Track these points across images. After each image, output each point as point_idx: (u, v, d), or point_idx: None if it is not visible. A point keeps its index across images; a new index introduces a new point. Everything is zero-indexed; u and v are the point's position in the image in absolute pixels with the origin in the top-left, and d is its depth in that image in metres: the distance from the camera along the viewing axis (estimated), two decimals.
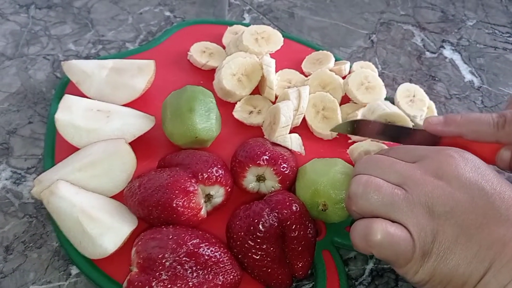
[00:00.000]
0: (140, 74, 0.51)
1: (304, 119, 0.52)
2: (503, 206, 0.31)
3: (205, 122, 0.46)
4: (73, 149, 0.46)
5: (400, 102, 0.52)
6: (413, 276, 0.32)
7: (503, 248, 0.30)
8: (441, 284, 0.32)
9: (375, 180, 0.33)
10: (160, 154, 0.47)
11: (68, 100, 0.47)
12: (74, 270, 0.41)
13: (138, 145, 0.46)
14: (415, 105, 0.52)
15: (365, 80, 0.53)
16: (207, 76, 0.56)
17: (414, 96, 0.53)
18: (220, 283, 0.36)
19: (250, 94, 0.54)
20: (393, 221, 0.32)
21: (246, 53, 0.54)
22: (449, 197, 0.31)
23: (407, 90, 0.53)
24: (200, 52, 0.57)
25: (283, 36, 0.57)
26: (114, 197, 0.44)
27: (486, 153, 0.39)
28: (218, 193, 0.42)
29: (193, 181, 0.40)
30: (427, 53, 0.65)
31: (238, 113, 0.52)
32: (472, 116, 0.39)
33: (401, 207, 0.31)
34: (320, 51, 0.59)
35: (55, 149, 0.48)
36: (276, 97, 0.54)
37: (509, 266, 0.29)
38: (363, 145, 0.47)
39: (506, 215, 0.30)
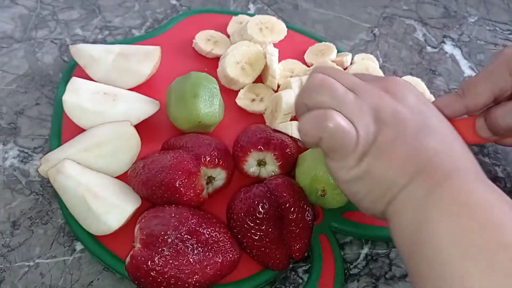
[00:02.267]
0: (146, 59, 0.52)
1: None
2: (436, 123, 0.34)
3: (209, 107, 0.47)
4: (79, 130, 0.47)
5: None
6: (348, 171, 0.34)
7: (434, 156, 0.32)
8: (370, 185, 0.34)
9: (331, 79, 0.35)
10: (163, 137, 0.48)
11: (76, 82, 0.48)
12: (78, 246, 0.42)
13: (143, 128, 0.47)
14: None
15: (366, 71, 0.54)
16: (211, 63, 0.57)
17: None
18: (220, 260, 0.38)
19: (253, 82, 0.55)
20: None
21: (250, 42, 0.56)
22: (393, 107, 0.34)
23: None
24: (205, 40, 0.58)
25: (287, 27, 0.58)
26: (118, 177, 0.45)
27: (467, 130, 0.41)
28: (220, 176, 0.43)
29: (195, 162, 0.41)
30: (428, 47, 0.66)
31: (241, 100, 0.53)
32: (439, 99, 0.42)
33: (351, 106, 0.34)
34: (323, 42, 0.60)
35: (62, 130, 0.49)
36: (279, 86, 0.55)
37: (432, 178, 0.31)
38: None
39: (437, 130, 0.34)
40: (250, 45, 0.55)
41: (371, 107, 0.34)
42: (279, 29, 0.58)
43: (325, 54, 0.58)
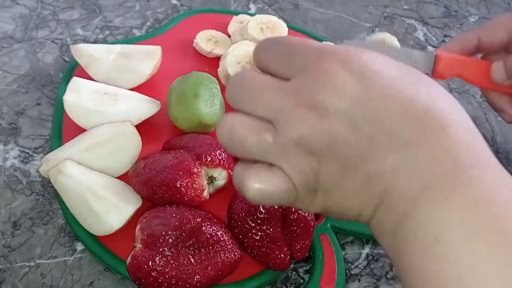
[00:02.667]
0: (146, 59, 0.52)
1: None
2: (393, 126, 0.24)
3: (210, 107, 0.47)
4: (80, 130, 0.47)
5: None
6: (308, 210, 0.29)
7: (394, 179, 0.24)
8: (337, 214, 0.28)
9: (239, 128, 0.27)
10: (164, 137, 0.48)
11: (77, 82, 0.48)
12: (79, 246, 0.42)
13: (144, 128, 0.47)
14: None
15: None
16: (212, 63, 0.57)
17: None
18: (221, 261, 0.38)
19: None
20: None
21: (251, 41, 0.55)
22: (324, 131, 0.25)
23: None
24: (205, 40, 0.58)
25: (287, 27, 0.58)
26: (119, 177, 0.45)
27: (479, 71, 0.40)
28: (221, 176, 0.43)
29: (196, 163, 0.41)
30: (429, 47, 0.66)
31: None
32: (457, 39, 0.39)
33: (273, 152, 0.26)
34: (324, 42, 0.60)
35: (62, 130, 0.49)
36: None
37: (395, 210, 0.25)
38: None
39: (396, 135, 0.24)
40: (251, 44, 0.55)
41: (297, 141, 0.25)
42: (280, 29, 0.58)
43: None
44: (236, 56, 0.54)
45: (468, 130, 0.25)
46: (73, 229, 0.42)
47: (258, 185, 0.26)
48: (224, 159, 0.43)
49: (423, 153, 0.24)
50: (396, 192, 0.25)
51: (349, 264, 0.44)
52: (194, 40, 0.58)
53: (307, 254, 0.42)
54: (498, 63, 0.38)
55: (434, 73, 0.44)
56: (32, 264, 0.41)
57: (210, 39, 0.59)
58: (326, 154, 0.25)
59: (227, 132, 0.27)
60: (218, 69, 0.55)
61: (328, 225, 0.44)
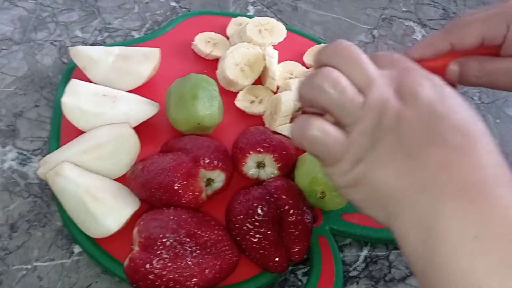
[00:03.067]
0: (145, 61, 0.52)
1: None
2: (451, 131, 0.29)
3: (208, 109, 0.47)
4: (78, 133, 0.47)
5: None
6: (340, 177, 0.32)
7: (439, 171, 0.28)
8: (365, 192, 0.31)
9: (343, 80, 0.31)
10: (163, 139, 0.48)
11: (75, 84, 0.48)
12: (76, 249, 0.42)
13: (142, 130, 0.47)
14: None
15: None
16: (210, 65, 0.57)
17: None
18: (218, 263, 0.38)
19: (252, 84, 0.55)
20: (341, 123, 0.32)
21: (249, 44, 0.55)
22: (399, 113, 0.30)
23: None
24: (204, 42, 0.58)
25: (286, 29, 0.58)
26: (117, 179, 0.45)
27: (439, 69, 0.40)
28: (219, 178, 0.43)
29: (194, 165, 0.41)
30: None
31: (240, 102, 0.53)
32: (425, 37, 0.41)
33: (355, 112, 0.31)
34: (322, 44, 0.60)
35: (61, 132, 0.49)
36: (278, 88, 0.55)
37: (442, 191, 0.27)
38: None
39: (451, 141, 0.29)
40: (249, 46, 0.55)
41: (376, 112, 0.30)
42: (279, 31, 0.58)
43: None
44: (235, 58, 0.54)
45: (501, 160, 0.29)
46: (70, 232, 0.42)
47: (325, 128, 0.31)
48: (222, 161, 0.43)
49: (468, 160, 0.28)
50: (437, 186, 0.28)
51: (347, 267, 0.43)
52: (193, 42, 0.58)
53: (305, 257, 0.42)
54: (453, 65, 0.40)
55: None
56: (29, 266, 0.41)
57: (209, 41, 0.59)
58: (392, 131, 0.30)
59: (332, 79, 0.31)
60: (217, 71, 0.55)
61: (326, 227, 0.44)
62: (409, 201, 0.29)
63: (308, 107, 0.34)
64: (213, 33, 0.60)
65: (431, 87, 0.31)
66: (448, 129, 0.29)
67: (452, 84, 0.40)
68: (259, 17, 0.58)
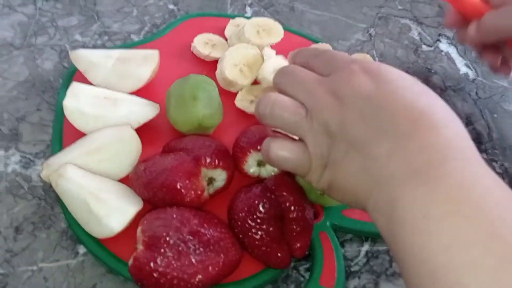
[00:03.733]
0: (145, 63, 0.52)
1: None
2: (392, 120, 0.30)
3: (208, 109, 0.47)
4: (80, 135, 0.47)
5: None
6: (316, 183, 0.35)
7: (388, 161, 0.29)
8: (339, 193, 0.34)
9: (282, 99, 0.35)
10: (164, 140, 0.48)
11: (76, 87, 0.49)
12: (81, 250, 0.43)
13: (143, 132, 0.47)
14: None
15: None
16: (209, 67, 0.57)
17: None
18: (222, 260, 0.38)
19: (252, 84, 0.55)
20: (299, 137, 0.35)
21: (248, 44, 0.56)
22: (340, 116, 0.32)
23: None
24: (203, 44, 0.59)
25: (284, 29, 0.59)
26: (120, 181, 0.45)
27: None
28: (220, 177, 0.44)
29: (196, 164, 0.42)
30: (424, 46, 0.67)
31: (240, 102, 0.53)
32: None
33: (302, 126, 0.34)
34: (319, 43, 0.61)
35: (63, 135, 0.49)
36: None
37: (387, 191, 0.29)
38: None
39: (393, 129, 0.30)
40: (247, 47, 0.55)
41: (321, 121, 0.33)
42: (276, 32, 0.58)
43: None
44: (234, 58, 0.54)
45: (458, 134, 0.30)
46: (75, 233, 0.43)
47: (284, 147, 0.35)
48: (223, 160, 0.43)
49: (413, 144, 0.29)
50: (389, 175, 0.29)
51: (349, 262, 0.44)
52: (192, 44, 0.59)
53: (307, 253, 0.43)
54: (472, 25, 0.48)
55: None
56: (34, 268, 0.41)
57: (207, 43, 0.59)
58: (339, 135, 0.32)
59: (271, 103, 0.35)
60: (216, 72, 0.56)
61: (327, 223, 0.45)
62: (369, 194, 0.31)
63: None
64: (211, 34, 0.61)
65: (365, 80, 0.32)
66: (388, 118, 0.30)
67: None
68: (256, 18, 0.59)
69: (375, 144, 0.30)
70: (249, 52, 0.55)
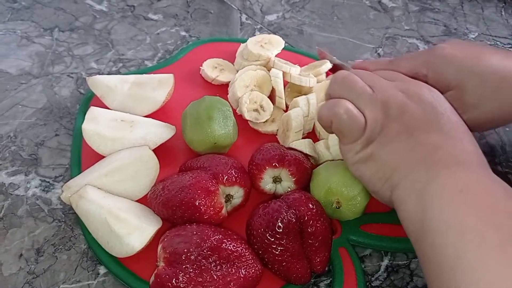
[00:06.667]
0: (160, 87, 0.54)
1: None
2: (446, 124, 0.37)
3: (223, 128, 0.48)
4: (99, 158, 0.48)
5: None
6: (355, 154, 0.40)
7: (436, 150, 0.36)
8: (374, 168, 0.39)
9: (352, 75, 0.41)
10: (180, 161, 0.49)
11: (94, 111, 0.50)
12: (102, 270, 0.43)
13: (160, 153, 0.48)
14: None
15: None
16: (222, 90, 0.59)
17: None
18: (243, 276, 0.38)
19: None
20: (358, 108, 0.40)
21: (256, 66, 0.57)
22: (404, 105, 0.38)
23: None
24: (211, 68, 0.60)
25: (293, 51, 0.60)
26: (138, 201, 0.46)
27: None
28: (238, 194, 0.44)
29: (214, 181, 0.42)
30: None
31: (253, 122, 0.54)
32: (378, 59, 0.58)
33: (365, 100, 0.39)
34: (319, 60, 0.62)
35: (81, 158, 0.50)
36: (288, 107, 0.56)
37: (432, 169, 0.35)
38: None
39: (445, 129, 0.37)
40: (256, 68, 0.57)
41: (383, 101, 0.39)
42: (277, 41, 0.60)
43: (317, 66, 0.59)
44: (244, 80, 0.55)
45: (475, 144, 0.38)
46: (95, 253, 0.43)
47: (352, 108, 0.40)
48: (240, 177, 0.44)
49: (458, 144, 0.37)
50: (434, 160, 0.36)
51: (369, 277, 0.44)
52: (201, 68, 0.60)
53: (327, 268, 0.43)
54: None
55: None
56: None
57: (216, 67, 0.61)
58: (396, 116, 0.38)
59: (344, 74, 0.42)
60: (228, 95, 0.57)
61: (346, 239, 0.45)
62: (410, 171, 0.36)
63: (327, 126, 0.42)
64: (220, 59, 0.62)
65: (430, 93, 0.40)
66: (446, 122, 0.38)
67: None
68: (253, 37, 0.60)
69: (426, 133, 0.37)
70: (258, 73, 0.56)
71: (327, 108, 0.41)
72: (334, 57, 0.58)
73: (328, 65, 0.58)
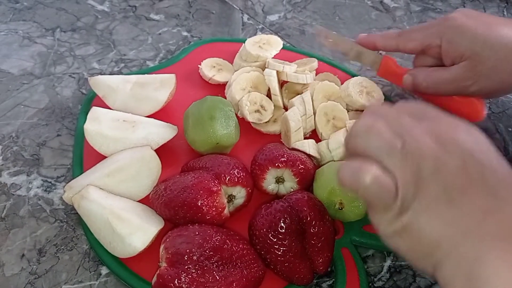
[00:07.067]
0: (162, 87, 0.54)
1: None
2: (493, 180, 0.30)
3: (225, 128, 0.48)
4: (100, 158, 0.48)
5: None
6: (387, 226, 0.32)
7: (484, 218, 0.29)
8: (410, 243, 0.31)
9: (379, 125, 0.33)
10: (182, 161, 0.49)
11: (96, 111, 0.50)
12: (104, 270, 0.43)
13: (162, 153, 0.48)
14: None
15: (363, 87, 0.56)
16: (223, 91, 0.59)
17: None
18: (245, 276, 0.38)
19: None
20: (386, 168, 0.32)
21: (251, 67, 0.57)
22: (439, 159, 0.30)
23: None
24: (209, 67, 0.60)
25: (295, 51, 0.60)
26: (140, 201, 0.46)
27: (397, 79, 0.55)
28: (240, 194, 0.44)
29: (216, 182, 0.42)
30: None
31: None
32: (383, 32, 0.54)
33: (394, 157, 0.31)
34: (308, 58, 0.62)
35: (83, 158, 0.50)
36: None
37: (480, 244, 0.28)
38: None
39: (493, 188, 0.30)
40: (250, 70, 0.57)
41: (416, 158, 0.31)
42: (275, 41, 0.60)
43: (306, 64, 0.59)
44: (240, 83, 0.55)
45: None
46: (97, 254, 0.43)
47: (379, 174, 0.31)
48: (242, 177, 0.44)
49: (508, 208, 0.29)
50: (482, 232, 0.28)
51: (372, 277, 0.44)
52: (199, 66, 0.60)
53: (329, 269, 0.42)
54: (407, 76, 0.53)
55: (378, 72, 0.58)
56: None
57: (214, 66, 0.61)
58: (433, 178, 0.30)
59: (370, 123, 0.33)
60: (226, 99, 0.57)
61: (349, 239, 0.45)
62: (453, 246, 0.29)
63: (353, 154, 0.35)
64: (220, 59, 0.62)
65: (467, 134, 0.32)
66: (492, 178, 0.30)
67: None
68: (251, 37, 0.60)
69: (471, 197, 0.29)
70: (252, 74, 0.56)
71: (350, 174, 0.33)
72: (334, 32, 0.58)
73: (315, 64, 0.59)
